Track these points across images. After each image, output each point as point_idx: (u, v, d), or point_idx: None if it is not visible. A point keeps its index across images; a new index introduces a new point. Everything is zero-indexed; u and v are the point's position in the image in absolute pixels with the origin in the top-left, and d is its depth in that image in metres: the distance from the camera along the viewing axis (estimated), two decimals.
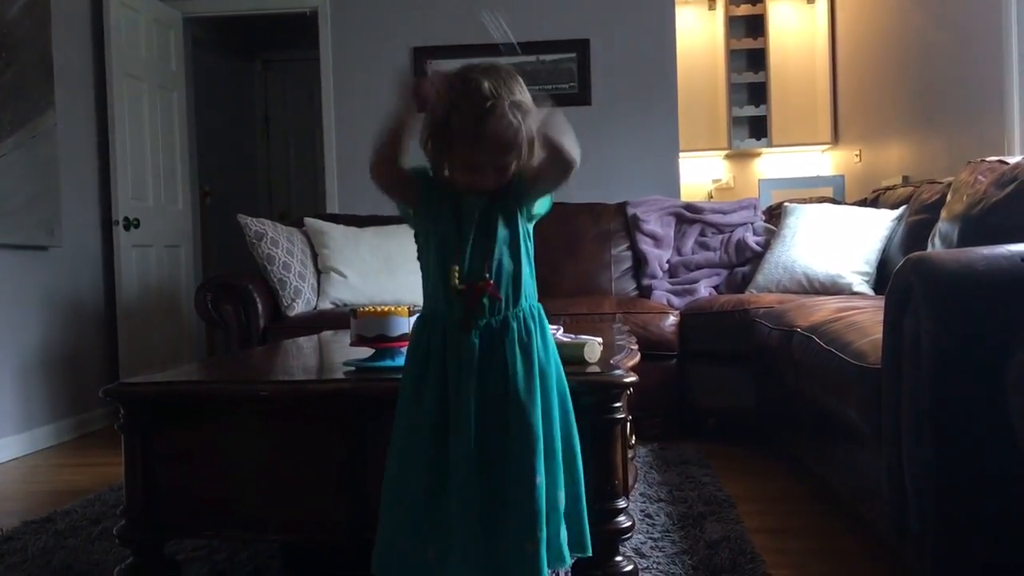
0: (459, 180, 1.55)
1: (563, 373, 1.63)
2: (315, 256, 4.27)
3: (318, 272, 4.22)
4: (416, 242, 1.67)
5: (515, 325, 1.56)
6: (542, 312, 1.63)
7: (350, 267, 4.18)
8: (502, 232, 1.56)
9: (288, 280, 4.02)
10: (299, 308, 4.03)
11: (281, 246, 4.09)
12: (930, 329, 1.72)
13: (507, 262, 1.57)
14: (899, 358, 1.83)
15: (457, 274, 1.55)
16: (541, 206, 1.61)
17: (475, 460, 1.52)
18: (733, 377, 3.67)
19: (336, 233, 4.31)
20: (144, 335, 4.77)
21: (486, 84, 1.48)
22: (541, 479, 1.51)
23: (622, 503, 1.84)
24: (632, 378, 1.85)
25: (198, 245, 5.65)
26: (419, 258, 1.65)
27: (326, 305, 4.13)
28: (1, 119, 3.77)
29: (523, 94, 1.54)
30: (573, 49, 5.28)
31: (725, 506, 2.66)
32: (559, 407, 1.58)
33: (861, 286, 3.70)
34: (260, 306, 3.95)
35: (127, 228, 4.67)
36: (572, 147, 1.50)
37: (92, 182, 4.59)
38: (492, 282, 1.55)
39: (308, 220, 4.43)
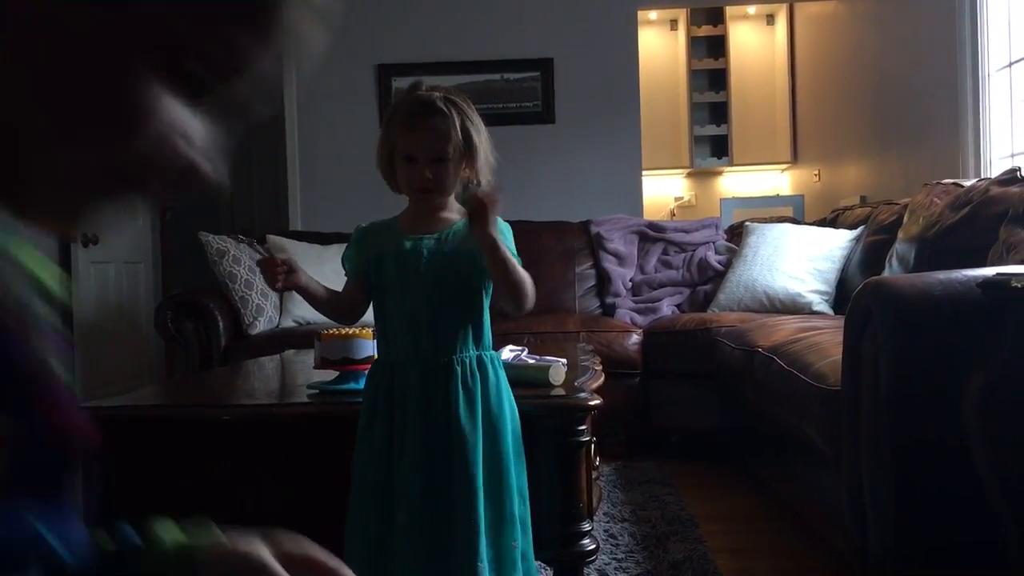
0: (401, 182, 1.60)
1: (518, 419, 1.62)
2: None
3: (281, 290, 4.19)
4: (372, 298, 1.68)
5: (459, 370, 1.56)
6: (496, 360, 1.63)
7: None
8: (455, 275, 1.59)
9: (250, 298, 3.99)
10: (261, 326, 3.99)
11: (243, 264, 4.06)
12: (888, 353, 1.75)
13: (454, 307, 1.59)
14: (858, 381, 1.87)
15: (397, 307, 1.59)
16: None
17: (418, 496, 1.53)
18: (695, 396, 3.71)
19: (299, 251, 4.28)
20: (102, 354, 4.70)
21: (424, 87, 1.58)
22: (480, 526, 1.51)
23: (586, 526, 1.84)
24: (596, 401, 1.86)
25: (158, 262, 5.58)
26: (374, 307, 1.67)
27: (288, 323, 4.10)
28: None
29: (471, 110, 1.60)
30: (537, 68, 5.31)
31: (688, 526, 2.68)
32: (512, 454, 1.58)
33: (820, 305, 3.76)
34: (221, 324, 3.91)
35: (85, 245, 4.60)
36: (526, 295, 1.56)
37: None
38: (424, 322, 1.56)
39: (271, 237, 4.40)
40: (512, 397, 1.63)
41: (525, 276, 1.57)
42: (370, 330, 2.02)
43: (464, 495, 1.50)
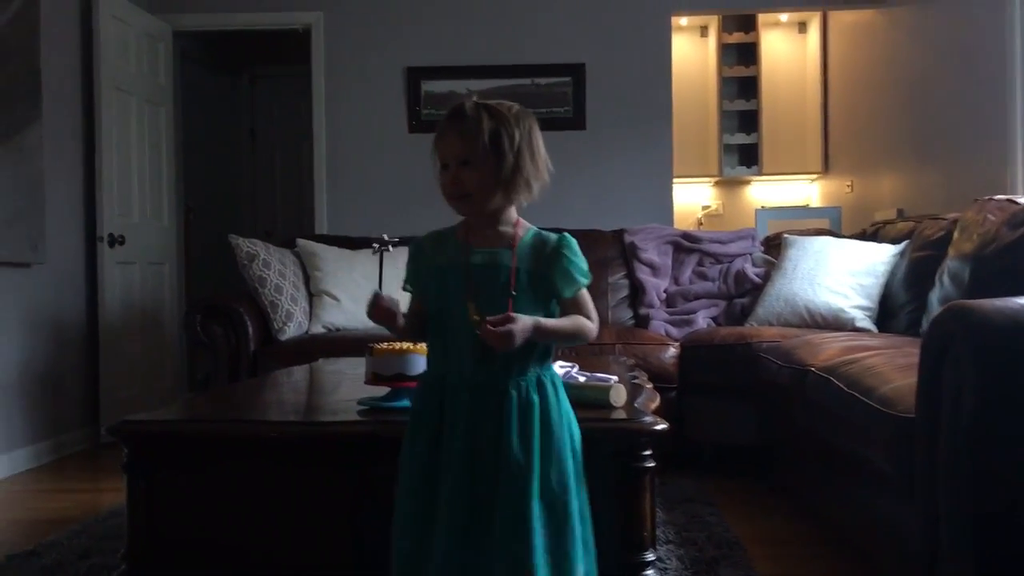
0: (442, 190, 1.55)
1: (579, 439, 1.55)
2: (307, 279, 4.18)
3: (310, 295, 4.13)
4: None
5: (514, 394, 1.49)
6: (556, 378, 1.56)
7: (343, 291, 4.09)
8: (524, 295, 1.51)
9: (280, 303, 3.93)
10: (290, 332, 3.93)
11: (273, 268, 4.00)
12: (972, 380, 1.68)
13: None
14: (936, 408, 1.79)
15: (474, 309, 1.49)
16: (571, 288, 1.54)
17: (460, 525, 1.47)
18: (733, 411, 3.63)
19: (329, 255, 4.23)
20: (125, 355, 4.65)
21: (474, 98, 1.54)
22: (536, 559, 1.43)
23: (650, 555, 1.77)
24: (663, 425, 1.79)
25: (182, 263, 5.53)
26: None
27: (318, 329, 4.03)
28: None
29: (516, 120, 1.53)
30: (569, 73, 5.24)
31: (736, 549, 2.60)
32: (573, 477, 1.51)
33: (863, 321, 3.67)
34: (251, 329, 3.85)
35: (111, 245, 4.55)
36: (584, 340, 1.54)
37: (77, 197, 4.47)
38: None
39: (300, 241, 4.34)
40: (573, 416, 1.56)
41: (578, 328, 1.53)
42: (424, 345, 1.95)
43: (510, 527, 1.44)
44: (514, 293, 1.50)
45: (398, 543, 1.52)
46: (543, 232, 1.58)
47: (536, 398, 1.50)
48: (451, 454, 1.48)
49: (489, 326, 1.43)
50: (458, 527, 1.46)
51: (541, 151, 1.55)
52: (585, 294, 1.55)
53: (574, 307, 1.54)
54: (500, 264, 1.52)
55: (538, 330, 1.47)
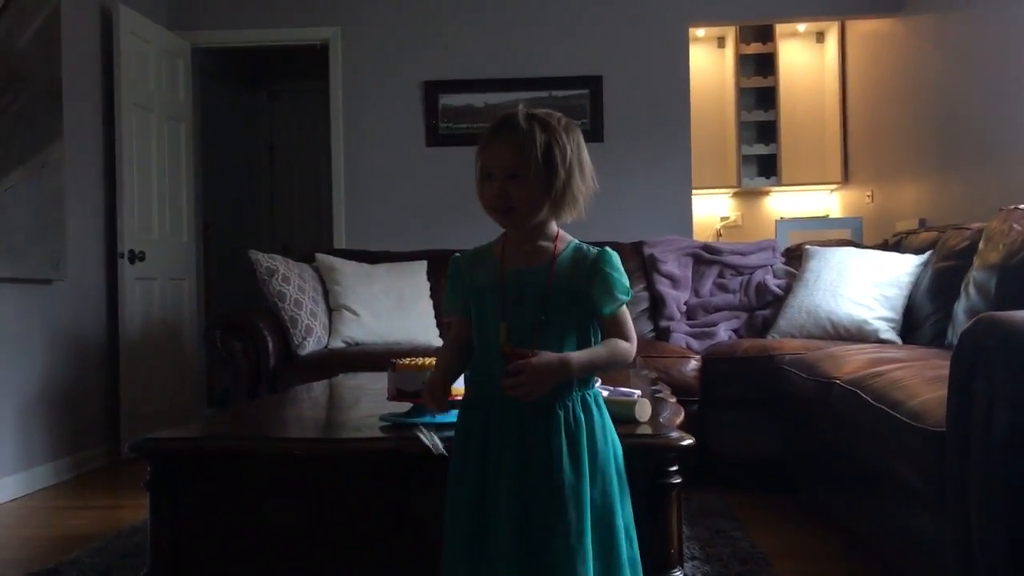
0: (482, 200, 1.51)
1: (621, 455, 1.54)
2: (326, 293, 4.18)
3: (329, 310, 4.13)
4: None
5: (562, 415, 1.46)
6: (598, 397, 1.54)
7: (363, 305, 4.09)
8: (562, 314, 1.48)
9: (299, 318, 3.93)
10: (310, 347, 3.92)
11: (292, 283, 4.00)
12: (1005, 394, 1.64)
13: (564, 345, 1.48)
14: (967, 422, 1.75)
15: (506, 332, 1.47)
16: (611, 306, 1.50)
17: (513, 548, 1.43)
18: (755, 424, 3.59)
19: (348, 270, 4.22)
20: (145, 371, 4.66)
21: (521, 109, 1.50)
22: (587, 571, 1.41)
23: (678, 573, 1.74)
24: (689, 440, 1.77)
25: (201, 278, 5.55)
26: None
27: (338, 344, 4.02)
28: (9, 150, 3.68)
29: (567, 133, 1.50)
30: (586, 85, 5.24)
31: (762, 564, 2.56)
32: (618, 495, 1.49)
33: (888, 333, 3.63)
34: (271, 344, 3.85)
35: (132, 261, 4.56)
36: (628, 352, 1.51)
37: (98, 213, 4.50)
38: (534, 353, 1.44)
39: (319, 256, 4.34)
40: (615, 433, 1.54)
41: (615, 355, 1.48)
42: None
43: (564, 549, 1.41)
44: (543, 318, 1.46)
45: (449, 571, 1.49)
46: (584, 245, 1.54)
47: (583, 417, 1.47)
48: (500, 478, 1.45)
49: (505, 380, 1.41)
50: (510, 551, 1.43)
51: (588, 164, 1.53)
52: (625, 313, 1.51)
53: (613, 326, 1.49)
54: (536, 284, 1.48)
55: (568, 367, 1.43)
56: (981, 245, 3.17)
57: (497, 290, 1.49)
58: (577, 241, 1.55)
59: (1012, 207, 3.12)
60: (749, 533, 2.90)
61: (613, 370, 1.52)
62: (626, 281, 1.50)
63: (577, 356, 1.45)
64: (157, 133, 4.91)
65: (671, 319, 4.21)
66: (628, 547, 1.49)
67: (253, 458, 1.81)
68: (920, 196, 4.94)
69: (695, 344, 3.98)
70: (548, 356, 1.43)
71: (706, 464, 3.67)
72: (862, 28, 5.85)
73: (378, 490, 1.77)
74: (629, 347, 1.50)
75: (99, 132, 4.52)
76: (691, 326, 4.17)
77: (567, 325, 1.48)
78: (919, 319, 3.61)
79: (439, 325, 4.15)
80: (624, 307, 1.50)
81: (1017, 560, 1.65)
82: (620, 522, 1.47)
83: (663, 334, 4.17)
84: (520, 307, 1.48)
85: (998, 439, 1.66)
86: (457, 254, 1.59)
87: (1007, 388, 1.63)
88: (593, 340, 1.51)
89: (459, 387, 1.90)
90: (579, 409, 1.47)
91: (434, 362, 1.93)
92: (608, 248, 1.52)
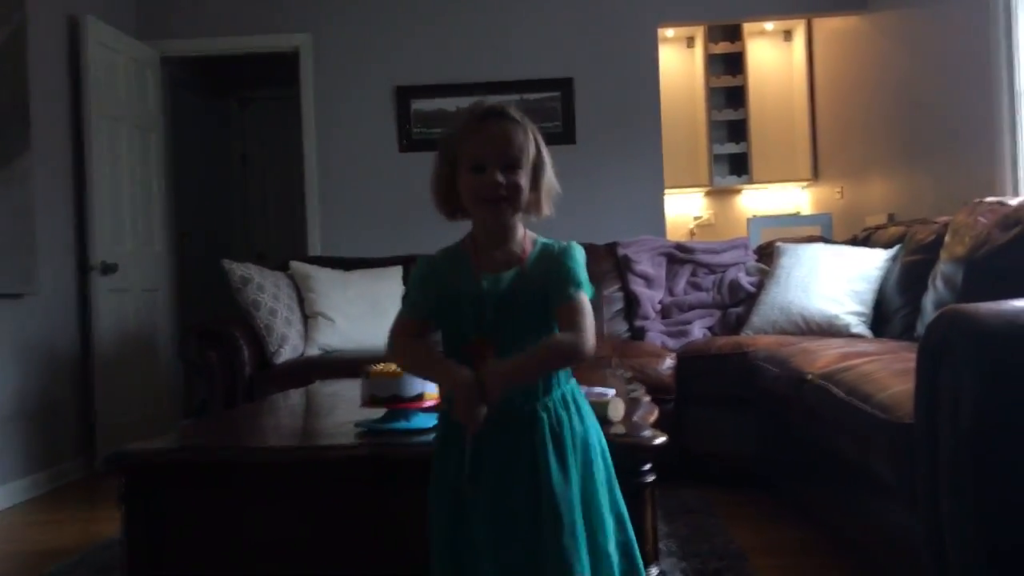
0: (466, 196, 1.48)
1: (606, 445, 1.54)
2: (301, 301, 4.17)
3: (305, 317, 4.12)
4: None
5: (545, 417, 1.44)
6: (576, 392, 1.52)
7: (338, 312, 4.08)
8: (538, 317, 1.46)
9: (275, 326, 3.91)
10: (286, 355, 3.92)
11: (267, 291, 3.99)
12: (970, 385, 1.67)
13: (533, 341, 1.45)
14: (934, 414, 1.78)
15: (481, 347, 1.46)
16: (560, 299, 1.47)
17: (500, 555, 1.42)
18: (731, 421, 3.62)
19: (322, 277, 4.22)
20: (120, 383, 4.62)
21: (493, 102, 1.50)
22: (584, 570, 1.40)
23: (654, 571, 1.76)
24: (662, 439, 1.78)
25: (175, 289, 5.52)
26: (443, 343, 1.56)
27: (314, 351, 4.02)
28: None
29: (540, 137, 1.52)
30: (557, 88, 5.26)
31: (740, 560, 2.59)
32: (604, 485, 1.49)
33: (859, 327, 3.67)
34: (246, 353, 3.84)
35: (104, 273, 4.53)
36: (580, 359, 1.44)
37: (69, 225, 4.46)
38: (489, 344, 1.44)
39: (293, 264, 4.34)
40: (597, 422, 1.53)
41: (554, 348, 1.42)
42: None
43: (563, 549, 1.38)
44: (516, 324, 1.45)
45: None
46: (551, 242, 1.52)
47: (565, 416, 1.46)
48: (484, 485, 1.43)
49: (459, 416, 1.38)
50: (500, 558, 1.41)
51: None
52: (578, 306, 1.43)
53: (563, 318, 1.44)
54: (510, 291, 1.46)
55: (517, 371, 1.39)
56: (948, 238, 3.22)
57: (475, 300, 1.46)
58: (544, 239, 1.53)
59: (977, 200, 3.17)
60: (727, 529, 2.93)
61: (566, 365, 1.46)
62: (582, 275, 1.46)
63: (515, 359, 1.40)
64: (127, 143, 4.88)
65: (646, 318, 4.23)
66: (619, 532, 1.49)
67: (227, 468, 1.81)
68: (888, 191, 5.00)
69: (670, 343, 4.01)
70: (465, 385, 1.38)
71: (683, 461, 3.70)
72: (828, 26, 5.91)
73: (354, 496, 1.78)
74: (571, 339, 1.41)
75: (68, 143, 4.48)
76: (666, 325, 4.20)
77: (540, 325, 1.46)
78: (889, 313, 3.65)
79: None
80: (578, 300, 1.44)
81: (987, 550, 1.68)
82: (606, 509, 1.46)
83: (638, 333, 4.20)
84: (500, 314, 1.46)
85: (965, 430, 1.69)
86: (428, 255, 1.55)
87: (972, 379, 1.66)
88: None
89: (433, 391, 1.91)
90: (560, 408, 1.46)
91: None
92: (574, 243, 1.50)
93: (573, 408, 1.49)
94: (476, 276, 1.48)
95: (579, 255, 1.49)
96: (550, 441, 1.43)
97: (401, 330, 1.52)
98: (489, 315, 1.45)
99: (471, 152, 1.46)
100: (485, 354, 1.43)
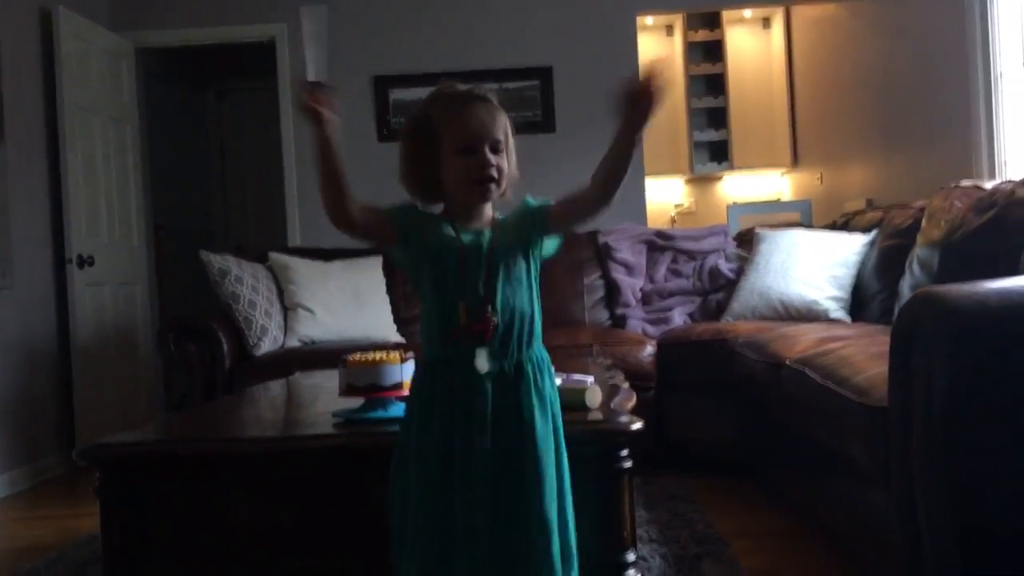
0: (455, 179, 1.49)
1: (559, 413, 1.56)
2: (281, 292, 4.15)
3: (284, 309, 4.10)
4: (412, 281, 1.58)
5: (530, 370, 1.48)
6: (547, 359, 1.55)
7: (318, 303, 4.06)
8: (518, 270, 1.51)
9: (254, 318, 3.89)
10: (266, 347, 3.90)
11: (246, 283, 3.96)
12: (943, 367, 1.68)
13: (523, 303, 1.50)
14: (907, 397, 1.79)
15: (464, 312, 1.47)
16: (550, 247, 1.56)
17: (488, 518, 1.43)
18: (712, 407, 3.64)
19: (302, 268, 4.20)
20: (99, 377, 4.59)
21: (449, 84, 1.53)
22: (554, 527, 1.44)
23: (631, 556, 1.77)
24: (639, 424, 1.79)
25: (153, 282, 5.48)
26: (421, 309, 1.57)
27: (293, 343, 4.00)
28: None
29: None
30: (536, 76, 5.25)
31: (719, 545, 2.60)
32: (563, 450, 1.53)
33: (837, 312, 3.69)
34: (225, 346, 3.81)
35: (80, 266, 4.49)
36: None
37: (44, 218, 4.42)
38: (495, 321, 1.47)
39: (272, 255, 4.31)
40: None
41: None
42: (398, 354, 1.94)
43: (538, 500, 1.43)
44: (502, 273, 1.48)
45: (419, 561, 1.45)
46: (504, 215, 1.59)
47: (543, 374, 1.50)
48: (472, 438, 1.44)
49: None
50: (485, 521, 1.43)
51: None
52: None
53: (561, 201, 1.53)
54: (486, 244, 1.50)
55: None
56: (924, 223, 3.24)
57: (454, 253, 1.48)
58: (500, 215, 1.58)
59: (953, 185, 3.19)
60: (707, 515, 2.94)
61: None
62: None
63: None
64: (102, 136, 4.83)
65: (627, 306, 4.24)
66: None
67: (204, 460, 1.80)
68: (867, 177, 5.02)
69: (651, 330, 4.02)
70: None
71: (664, 448, 3.71)
72: (807, 14, 5.93)
73: (332, 486, 1.77)
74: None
75: (42, 136, 4.44)
76: (647, 312, 4.20)
77: (530, 281, 1.51)
78: (867, 297, 3.68)
79: (396, 321, 4.15)
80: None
81: (958, 529, 1.69)
82: (567, 482, 1.51)
83: (619, 321, 4.21)
84: (477, 269, 1.48)
85: (937, 410, 1.70)
86: (411, 203, 1.55)
87: (943, 361, 1.67)
88: (536, 285, 1.53)
89: (408, 379, 1.91)
90: (540, 365, 1.50)
91: (389, 356, 1.93)
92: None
93: (546, 371, 1.52)
94: (454, 231, 1.51)
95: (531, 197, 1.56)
96: (535, 396, 1.47)
97: (364, 207, 1.57)
98: (478, 267, 1.47)
99: (459, 135, 1.48)
100: (488, 326, 1.46)
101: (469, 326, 1.46)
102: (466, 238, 1.50)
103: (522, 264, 1.51)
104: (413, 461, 1.48)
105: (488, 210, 1.56)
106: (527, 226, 1.51)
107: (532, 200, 1.54)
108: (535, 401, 1.46)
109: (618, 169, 1.52)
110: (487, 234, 1.52)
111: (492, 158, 1.48)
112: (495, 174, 1.48)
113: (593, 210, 1.54)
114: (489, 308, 1.46)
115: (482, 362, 1.45)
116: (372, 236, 1.57)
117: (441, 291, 1.49)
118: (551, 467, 1.46)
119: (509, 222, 1.55)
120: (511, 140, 1.53)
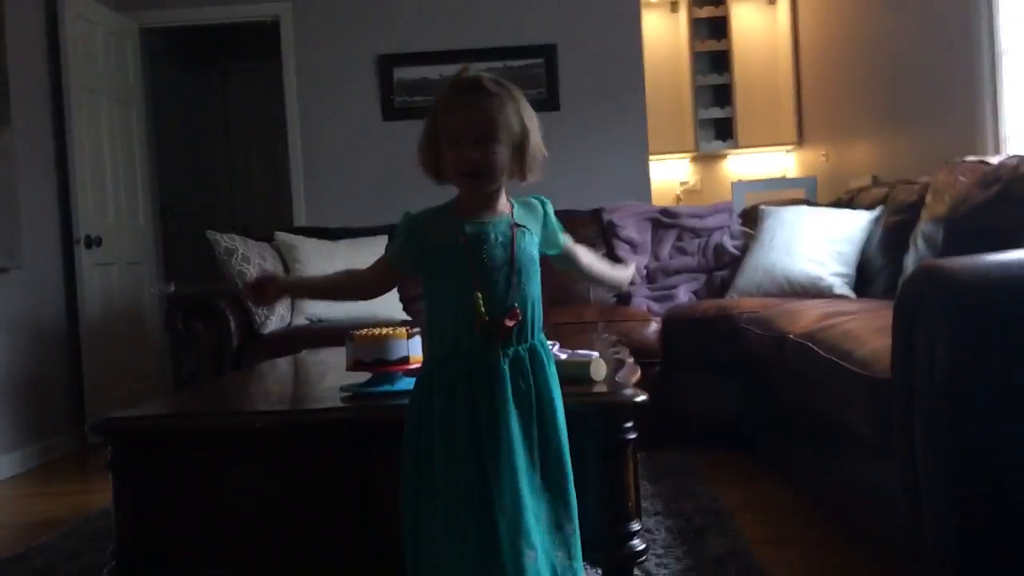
0: (447, 167, 1.52)
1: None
2: (287, 271, 4.17)
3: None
4: (424, 283, 1.60)
5: (542, 352, 1.55)
6: (547, 343, 1.62)
7: None
8: (528, 257, 1.55)
9: None
10: (273, 325, 3.93)
11: (253, 262, 3.99)
12: (945, 340, 1.69)
13: (536, 292, 1.56)
14: (911, 369, 1.81)
15: (482, 303, 1.50)
16: (556, 246, 1.66)
17: (524, 496, 1.47)
18: (717, 383, 3.66)
19: (308, 247, 4.22)
20: (108, 356, 4.63)
21: (475, 71, 1.52)
22: (573, 498, 1.53)
23: (635, 526, 1.79)
24: (643, 397, 1.80)
25: (160, 261, 5.51)
26: (425, 298, 1.60)
27: (300, 321, 4.03)
28: None
29: (523, 96, 1.55)
30: (541, 54, 5.24)
31: (723, 517, 2.63)
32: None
33: (842, 288, 3.70)
34: (233, 324, 3.84)
35: (88, 246, 4.52)
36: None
37: (51, 199, 4.44)
38: (518, 310, 1.52)
39: (279, 234, 4.33)
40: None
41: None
42: (404, 329, 1.96)
43: (560, 468, 1.52)
44: (520, 262, 1.53)
45: (448, 546, 1.47)
46: (523, 198, 1.62)
47: (549, 356, 1.57)
48: (498, 435, 1.47)
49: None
50: (527, 497, 1.47)
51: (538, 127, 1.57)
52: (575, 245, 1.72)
53: (574, 247, 1.69)
54: (500, 233, 1.53)
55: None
56: (928, 198, 3.23)
57: (463, 247, 1.50)
58: (516, 199, 1.61)
59: (958, 160, 3.19)
60: (712, 489, 2.97)
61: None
62: (556, 221, 1.66)
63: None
64: (108, 116, 4.85)
65: (632, 283, 4.25)
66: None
67: (213, 434, 1.83)
68: (872, 153, 5.01)
69: (656, 307, 4.03)
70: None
71: (669, 424, 3.73)
72: None
73: (340, 460, 1.79)
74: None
75: (49, 117, 4.45)
76: (652, 289, 4.22)
77: (533, 268, 1.56)
78: (872, 273, 3.68)
79: (402, 299, 4.16)
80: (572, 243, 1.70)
81: (962, 505, 1.71)
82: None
83: (624, 298, 4.22)
84: (488, 261, 1.51)
85: (940, 384, 1.72)
86: (412, 212, 1.57)
87: (946, 333, 1.69)
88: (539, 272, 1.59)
89: (418, 354, 1.93)
90: (546, 347, 1.59)
91: (395, 331, 1.95)
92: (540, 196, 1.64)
93: (547, 355, 1.57)
94: (461, 225, 1.53)
95: (551, 207, 1.65)
96: (550, 374, 1.55)
97: (372, 269, 1.66)
98: (480, 259, 1.51)
99: (449, 126, 1.50)
100: (517, 320, 1.51)
101: (499, 323, 1.50)
102: (470, 228, 1.52)
103: (536, 257, 1.58)
104: (439, 460, 1.49)
105: (499, 197, 1.56)
106: (546, 238, 1.62)
107: (556, 222, 1.63)
108: (550, 378, 1.54)
109: (593, 284, 1.70)
110: (499, 224, 1.54)
111: (475, 151, 1.48)
112: (474, 169, 1.49)
113: (576, 273, 1.75)
114: (516, 305, 1.52)
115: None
116: (396, 284, 1.65)
117: (453, 279, 1.52)
118: (565, 438, 1.53)
119: (522, 216, 1.58)
120: (525, 123, 1.51)
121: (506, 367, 1.50)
